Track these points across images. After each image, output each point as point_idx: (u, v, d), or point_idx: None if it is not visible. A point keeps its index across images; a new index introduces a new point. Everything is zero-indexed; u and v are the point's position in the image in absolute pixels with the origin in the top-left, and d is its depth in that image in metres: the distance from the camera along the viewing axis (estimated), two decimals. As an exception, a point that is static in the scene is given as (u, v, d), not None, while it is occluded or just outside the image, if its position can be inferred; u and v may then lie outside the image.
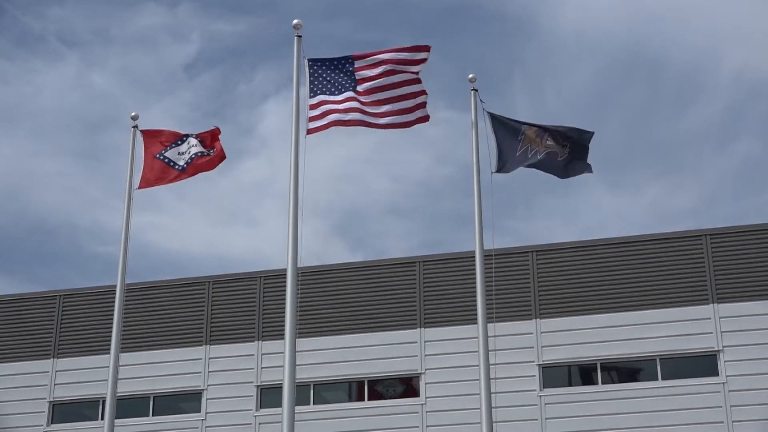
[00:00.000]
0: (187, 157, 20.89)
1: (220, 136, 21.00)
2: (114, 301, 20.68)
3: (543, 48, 67.54)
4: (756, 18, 59.72)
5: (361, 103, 18.42)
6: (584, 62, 66.83)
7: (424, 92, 18.75)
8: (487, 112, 20.27)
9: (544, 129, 20.47)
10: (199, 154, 20.91)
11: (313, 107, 18.24)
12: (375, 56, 18.62)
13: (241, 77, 72.84)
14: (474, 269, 19.24)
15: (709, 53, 62.62)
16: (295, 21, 18.61)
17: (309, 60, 18.50)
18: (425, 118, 18.70)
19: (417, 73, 18.64)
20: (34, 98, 69.44)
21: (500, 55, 68.98)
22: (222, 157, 20.92)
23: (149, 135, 21.23)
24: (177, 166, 20.81)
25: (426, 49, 18.68)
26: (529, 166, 20.45)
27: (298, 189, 17.27)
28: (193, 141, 20.98)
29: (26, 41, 70.94)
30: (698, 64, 63.65)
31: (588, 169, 20.58)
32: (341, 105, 18.31)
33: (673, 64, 63.84)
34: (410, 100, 18.63)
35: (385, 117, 18.50)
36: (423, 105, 18.73)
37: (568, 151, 20.48)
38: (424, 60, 18.70)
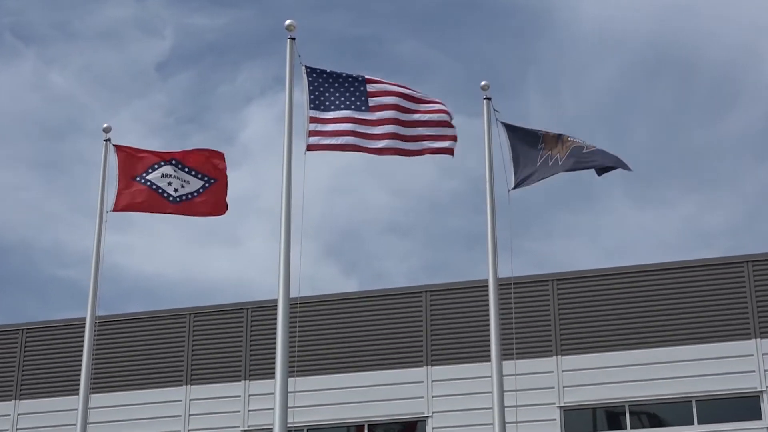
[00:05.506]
0: (177, 185, 20.08)
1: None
2: (83, 336, 20.18)
3: (560, 45, 67.03)
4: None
5: (374, 124, 17.81)
6: (606, 61, 66.00)
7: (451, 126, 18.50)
8: (502, 122, 19.60)
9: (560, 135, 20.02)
10: (197, 192, 20.13)
11: (314, 121, 17.43)
12: (388, 84, 18.16)
13: (221, 77, 71.85)
14: (487, 299, 18.46)
15: (748, 50, 62.01)
16: (287, 22, 17.65)
17: (307, 68, 17.60)
18: (450, 150, 18.35)
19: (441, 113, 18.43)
20: (-14, 101, 69.07)
21: (512, 53, 68.40)
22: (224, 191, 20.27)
23: (124, 151, 20.39)
24: (167, 195, 20.03)
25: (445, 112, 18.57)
26: (554, 174, 19.74)
27: (290, 214, 16.65)
28: (183, 172, 20.07)
29: (-23, 37, 70.38)
30: (736, 62, 63.04)
31: (623, 164, 19.68)
32: (351, 126, 17.61)
33: (708, 63, 63.28)
34: (434, 128, 18.31)
35: (405, 141, 18.01)
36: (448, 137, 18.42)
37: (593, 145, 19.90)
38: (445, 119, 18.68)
